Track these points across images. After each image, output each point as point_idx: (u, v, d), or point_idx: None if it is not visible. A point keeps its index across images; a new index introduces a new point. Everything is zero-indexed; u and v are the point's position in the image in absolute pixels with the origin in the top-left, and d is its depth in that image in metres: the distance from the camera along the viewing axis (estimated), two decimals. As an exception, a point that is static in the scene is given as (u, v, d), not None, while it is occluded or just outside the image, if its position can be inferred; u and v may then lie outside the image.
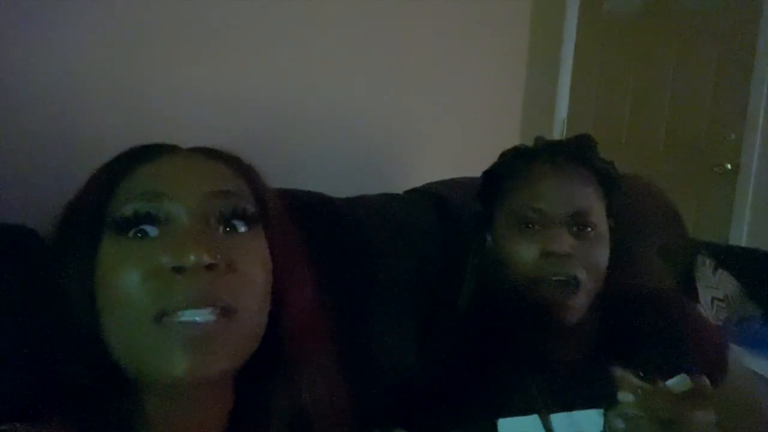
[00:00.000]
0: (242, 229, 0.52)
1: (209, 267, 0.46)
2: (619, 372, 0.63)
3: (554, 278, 0.76)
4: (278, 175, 1.11)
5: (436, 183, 1.13)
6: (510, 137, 2.46)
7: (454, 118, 2.07)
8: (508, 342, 0.82)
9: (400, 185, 1.22)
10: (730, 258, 1.70)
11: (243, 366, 0.53)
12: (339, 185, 1.07)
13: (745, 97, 2.19)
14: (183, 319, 0.45)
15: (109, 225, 0.49)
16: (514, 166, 0.87)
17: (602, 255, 0.79)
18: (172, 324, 0.46)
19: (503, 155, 0.90)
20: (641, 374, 0.63)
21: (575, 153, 0.84)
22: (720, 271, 1.64)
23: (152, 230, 0.48)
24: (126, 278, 0.46)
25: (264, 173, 0.57)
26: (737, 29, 2.23)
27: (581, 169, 0.82)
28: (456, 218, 1.04)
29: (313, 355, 0.58)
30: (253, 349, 0.51)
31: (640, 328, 0.83)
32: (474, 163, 1.51)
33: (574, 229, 0.77)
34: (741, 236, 2.18)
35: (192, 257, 0.45)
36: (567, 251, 0.76)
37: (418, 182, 1.23)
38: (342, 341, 0.64)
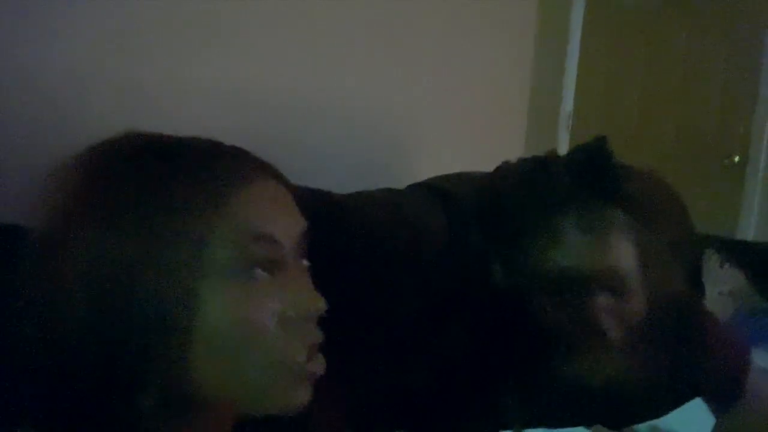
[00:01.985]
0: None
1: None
2: None
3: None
4: (282, 172, 1.10)
5: (440, 177, 1.12)
6: (516, 131, 2.44)
7: (460, 113, 2.06)
8: (514, 349, 0.81)
9: (405, 181, 1.22)
10: (737, 252, 1.68)
11: None
12: (343, 181, 1.06)
13: (754, 89, 2.17)
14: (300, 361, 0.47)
15: (214, 265, 0.45)
16: (529, 209, 0.76)
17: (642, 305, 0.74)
18: (298, 367, 0.47)
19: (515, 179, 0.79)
20: None
21: (607, 189, 0.75)
22: (727, 265, 1.63)
23: (262, 274, 0.46)
24: (252, 325, 0.45)
25: None
26: (746, 21, 2.20)
27: (616, 212, 0.74)
28: (460, 212, 1.04)
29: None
30: None
31: (658, 343, 0.80)
32: (480, 158, 1.51)
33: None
34: (749, 228, 2.16)
35: (320, 305, 0.48)
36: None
37: (424, 177, 1.22)
38: (341, 339, 0.64)
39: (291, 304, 0.46)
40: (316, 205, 0.85)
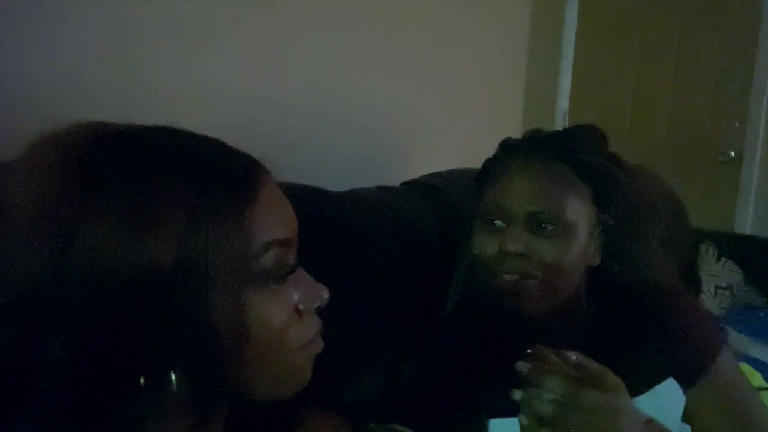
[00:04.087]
0: None
1: None
2: (536, 347, 0.65)
3: (506, 276, 0.76)
4: (277, 170, 1.10)
5: (434, 174, 1.12)
6: (511, 129, 2.44)
7: (456, 111, 2.07)
8: (493, 341, 0.82)
9: (401, 178, 1.22)
10: (734, 246, 1.69)
11: None
12: (340, 179, 1.06)
13: (748, 84, 2.18)
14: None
15: (251, 272, 0.47)
16: (495, 160, 0.87)
17: (565, 252, 0.77)
18: (309, 350, 0.52)
19: (499, 146, 0.90)
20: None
21: (553, 147, 0.82)
22: (723, 259, 1.64)
23: (286, 277, 0.50)
24: (281, 321, 0.49)
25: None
26: (740, 16, 2.21)
27: (557, 165, 0.80)
28: (454, 209, 1.03)
29: None
30: None
31: (628, 325, 0.82)
32: (476, 156, 1.51)
33: (534, 227, 0.77)
34: (746, 224, 2.17)
35: (326, 295, 0.52)
36: (520, 250, 0.75)
37: (420, 175, 1.22)
38: (333, 335, 0.64)
39: (303, 299, 0.50)
40: (309, 203, 0.86)
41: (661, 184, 1.50)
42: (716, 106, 2.27)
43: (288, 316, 0.49)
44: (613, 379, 0.62)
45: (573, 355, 0.64)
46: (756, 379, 1.17)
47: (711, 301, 1.57)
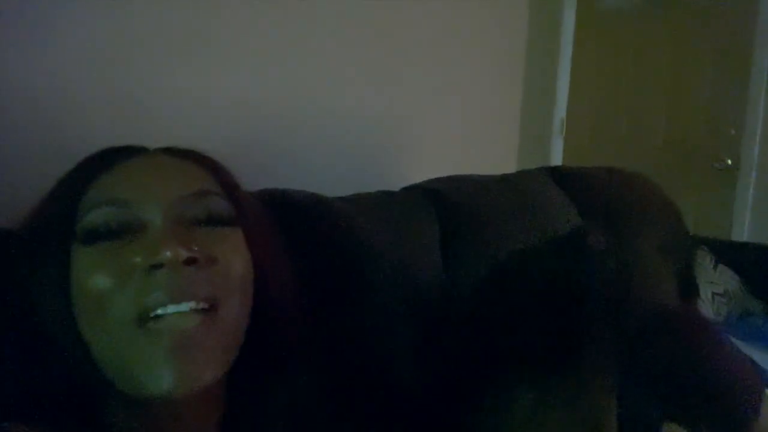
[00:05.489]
0: (219, 226, 0.51)
1: (188, 262, 0.45)
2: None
3: None
4: (277, 176, 1.11)
5: (434, 180, 1.13)
6: (509, 136, 2.46)
7: (454, 118, 2.08)
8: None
9: (401, 184, 1.22)
10: (731, 253, 1.69)
11: (233, 367, 0.53)
12: (338, 185, 1.07)
13: (744, 91, 2.19)
14: (166, 314, 0.44)
15: (79, 234, 0.47)
16: None
17: None
18: (155, 331, 0.44)
19: None
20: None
21: None
22: (721, 266, 1.64)
23: (124, 236, 0.47)
24: (101, 284, 0.45)
25: (247, 173, 0.57)
26: (735, 23, 2.22)
27: None
28: (455, 214, 1.04)
29: (302, 350, 0.58)
30: (237, 348, 0.50)
31: (669, 363, 0.69)
32: (474, 162, 1.52)
33: None
34: (743, 231, 2.17)
35: (168, 253, 0.44)
36: None
37: (420, 181, 1.22)
38: (333, 341, 0.64)
39: (144, 256, 0.45)
40: (307, 208, 0.86)
41: (657, 191, 1.51)
42: (712, 113, 2.29)
43: (114, 277, 0.44)
44: None
45: None
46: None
47: (708, 307, 1.57)
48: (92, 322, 0.45)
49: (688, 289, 1.43)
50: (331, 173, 1.52)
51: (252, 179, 1.10)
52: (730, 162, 2.23)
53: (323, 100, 1.59)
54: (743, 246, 1.87)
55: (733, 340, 1.44)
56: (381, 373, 0.76)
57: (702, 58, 2.30)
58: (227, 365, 0.48)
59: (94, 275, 0.45)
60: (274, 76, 1.48)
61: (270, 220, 0.60)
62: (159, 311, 0.44)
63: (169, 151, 0.56)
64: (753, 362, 0.77)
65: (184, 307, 0.45)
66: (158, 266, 0.44)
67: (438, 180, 1.12)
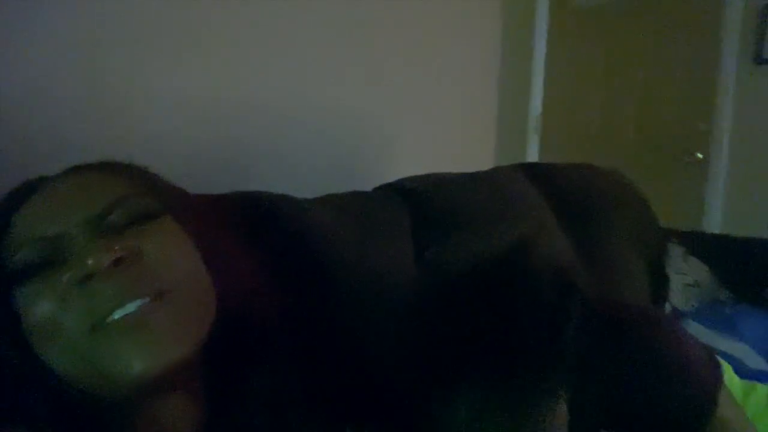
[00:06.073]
0: (145, 222, 0.51)
1: (116, 263, 0.46)
2: None
3: None
4: (258, 179, 1.11)
5: (408, 178, 1.14)
6: (486, 134, 2.48)
7: (430, 117, 2.09)
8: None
9: (377, 183, 1.23)
10: (701, 244, 1.73)
11: (208, 362, 0.54)
12: (318, 187, 1.07)
13: (713, 86, 2.24)
14: (116, 317, 0.45)
15: (11, 278, 0.48)
16: None
17: None
18: (109, 326, 0.45)
19: None
20: None
21: None
22: (691, 257, 1.68)
23: (55, 265, 0.48)
24: (44, 311, 0.46)
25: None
26: (704, 19, 2.27)
27: None
28: (428, 211, 1.04)
29: (275, 340, 0.59)
30: (203, 325, 0.51)
31: (619, 362, 0.69)
32: (453, 161, 1.54)
33: None
34: (715, 225, 2.22)
35: (89, 261, 0.46)
36: None
37: (396, 179, 1.23)
38: (307, 335, 0.65)
39: (70, 272, 0.46)
40: (276, 209, 0.87)
41: (630, 187, 1.54)
42: (683, 108, 2.33)
43: (53, 302, 0.46)
44: None
45: None
46: (728, 371, 1.20)
47: (679, 298, 1.61)
48: (51, 345, 0.47)
49: (659, 281, 1.46)
50: (309, 175, 1.53)
51: (236, 179, 1.11)
52: (700, 155, 2.28)
53: (302, 103, 1.60)
54: (713, 237, 1.91)
55: (703, 329, 1.48)
56: (356, 365, 0.77)
57: (672, 54, 2.35)
58: (191, 343, 0.49)
59: (36, 305, 0.47)
60: (254, 79, 1.48)
61: (209, 207, 0.61)
62: (108, 319, 0.45)
63: (76, 171, 0.56)
64: (711, 352, 0.75)
65: (132, 307, 0.46)
66: (89, 277, 0.46)
67: (410, 179, 1.13)
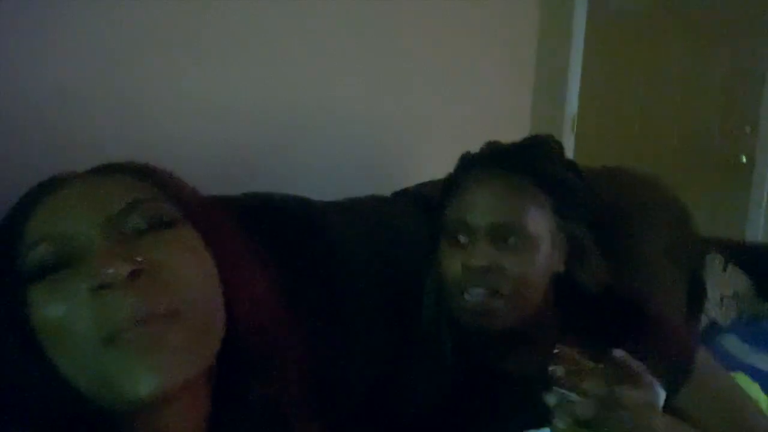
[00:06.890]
0: (164, 229, 0.50)
1: (133, 274, 0.45)
2: (560, 347, 0.62)
3: (473, 291, 0.76)
4: (276, 181, 1.10)
5: (426, 183, 1.12)
6: (520, 135, 2.44)
7: (463, 118, 2.05)
8: (469, 356, 0.81)
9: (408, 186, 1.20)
10: (741, 255, 1.66)
11: (215, 369, 0.54)
12: (336, 189, 1.06)
13: (759, 88, 2.15)
14: (130, 333, 0.44)
15: (26, 275, 0.47)
16: (455, 175, 0.87)
17: (529, 264, 0.77)
18: (120, 341, 0.44)
19: (458, 161, 0.90)
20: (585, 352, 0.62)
21: (511, 159, 0.83)
22: (731, 267, 1.61)
23: (71, 264, 0.47)
24: (56, 314, 0.46)
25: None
26: (750, 20, 2.18)
27: (515, 176, 0.80)
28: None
29: (282, 350, 0.58)
30: (214, 345, 0.50)
31: (597, 331, 0.79)
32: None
33: (498, 241, 0.76)
34: (757, 230, 2.13)
35: (110, 270, 0.44)
36: (484, 263, 0.75)
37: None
38: (317, 349, 0.64)
39: (88, 280, 0.45)
40: (295, 213, 0.86)
41: (666, 192, 1.48)
42: (727, 110, 2.24)
43: (68, 308, 0.45)
44: (648, 376, 0.62)
45: (618, 353, 0.62)
46: (753, 389, 1.16)
47: (716, 310, 1.54)
48: (59, 350, 0.46)
49: (696, 293, 1.40)
50: (328, 177, 1.51)
51: (253, 181, 1.10)
52: (745, 159, 2.19)
53: (326, 103, 1.58)
54: (754, 247, 1.83)
55: (738, 342, 1.42)
56: (363, 373, 0.76)
57: (717, 55, 2.26)
58: (202, 364, 0.49)
59: (47, 307, 0.46)
60: (273, 81, 1.48)
61: (227, 215, 0.59)
62: (123, 334, 0.44)
63: (98, 171, 0.56)
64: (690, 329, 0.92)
65: (147, 324, 0.45)
66: (105, 286, 0.45)
67: (430, 184, 1.11)
